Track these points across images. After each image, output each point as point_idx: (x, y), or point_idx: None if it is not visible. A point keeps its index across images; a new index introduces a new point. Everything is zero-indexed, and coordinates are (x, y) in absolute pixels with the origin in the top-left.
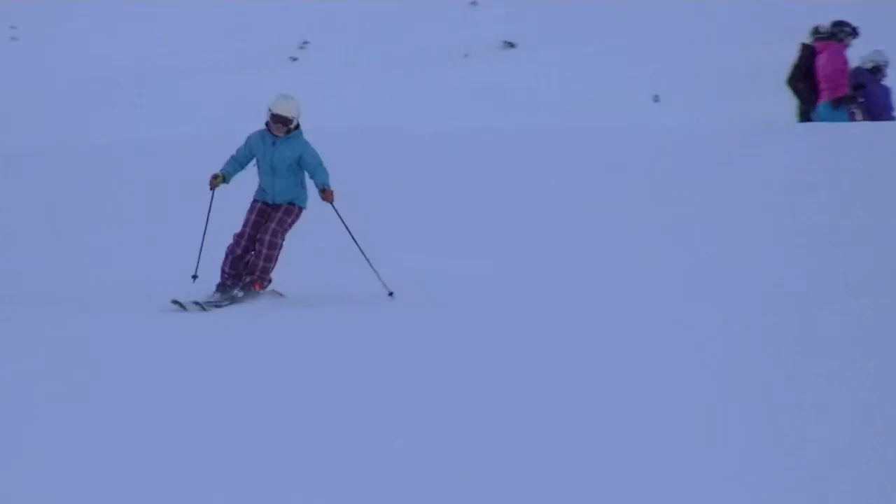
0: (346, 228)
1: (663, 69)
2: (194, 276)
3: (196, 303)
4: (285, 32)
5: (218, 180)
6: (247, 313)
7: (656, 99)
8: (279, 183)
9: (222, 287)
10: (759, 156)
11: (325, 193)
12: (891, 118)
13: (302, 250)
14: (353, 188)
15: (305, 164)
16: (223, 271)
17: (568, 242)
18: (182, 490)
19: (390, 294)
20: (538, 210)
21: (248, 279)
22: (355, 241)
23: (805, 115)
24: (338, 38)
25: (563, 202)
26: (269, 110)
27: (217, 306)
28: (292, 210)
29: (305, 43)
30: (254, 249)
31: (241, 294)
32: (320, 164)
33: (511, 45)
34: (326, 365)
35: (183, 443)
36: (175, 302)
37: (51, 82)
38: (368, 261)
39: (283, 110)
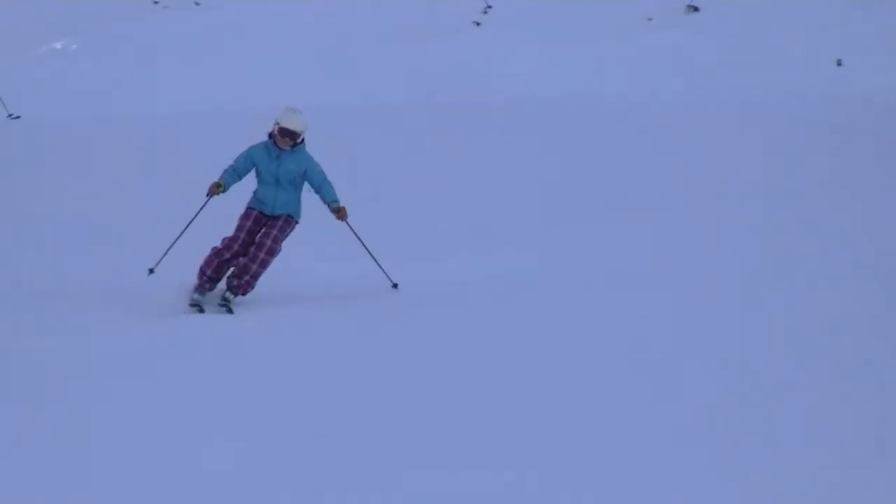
0: (358, 238)
1: (847, 32)
2: (151, 270)
3: (223, 304)
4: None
5: (219, 189)
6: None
7: (839, 63)
8: (281, 195)
9: (201, 289)
10: None
11: (340, 212)
12: None
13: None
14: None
15: (310, 179)
16: (203, 273)
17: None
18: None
19: (394, 286)
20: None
21: (235, 282)
22: (365, 247)
23: None
24: (521, 2)
25: (724, 171)
26: (277, 123)
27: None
28: (290, 221)
29: (489, 7)
30: (243, 255)
31: (231, 296)
32: (326, 178)
33: (695, 9)
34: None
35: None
36: (194, 305)
37: (233, 48)
38: (375, 258)
39: (292, 124)
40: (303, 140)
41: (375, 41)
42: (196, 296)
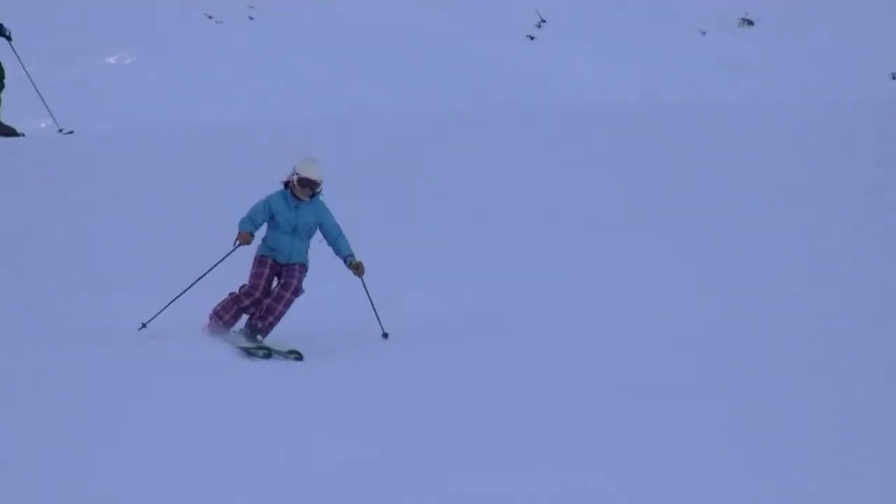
0: (367, 293)
1: None
2: (143, 325)
3: (278, 351)
4: (522, 11)
5: (251, 239)
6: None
7: (894, 77)
8: (297, 245)
9: (216, 332)
10: None
11: (359, 268)
12: None
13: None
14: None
15: (326, 231)
16: (220, 317)
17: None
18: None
19: (384, 335)
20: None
21: (260, 325)
22: (370, 300)
23: None
24: (574, 16)
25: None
26: (297, 173)
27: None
28: (305, 267)
29: (542, 22)
30: (266, 298)
31: (260, 338)
32: (342, 231)
33: (750, 22)
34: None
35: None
36: (262, 349)
37: (285, 62)
38: (373, 304)
39: (313, 174)
40: (320, 190)
41: (427, 53)
42: (247, 340)
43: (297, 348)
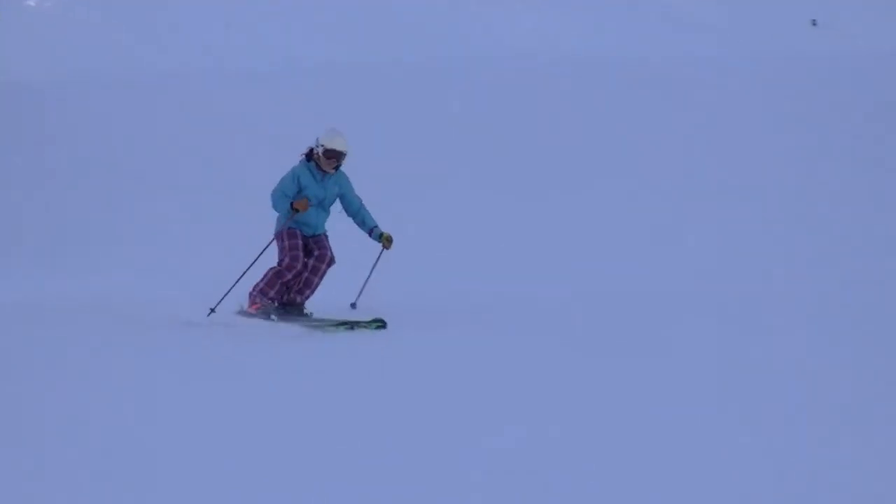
0: (374, 265)
1: None
2: (212, 310)
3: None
4: None
5: (309, 205)
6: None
7: (814, 23)
8: (322, 216)
9: (266, 310)
10: None
11: (389, 240)
12: None
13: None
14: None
15: (348, 203)
16: (265, 295)
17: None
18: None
19: (352, 305)
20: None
21: (299, 299)
22: (370, 272)
23: None
24: None
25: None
26: (322, 145)
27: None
28: (327, 237)
29: None
30: (304, 271)
31: (310, 313)
32: (363, 203)
33: None
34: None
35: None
36: (343, 324)
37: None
38: (370, 275)
39: (339, 146)
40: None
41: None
42: (275, 316)
43: (380, 316)
